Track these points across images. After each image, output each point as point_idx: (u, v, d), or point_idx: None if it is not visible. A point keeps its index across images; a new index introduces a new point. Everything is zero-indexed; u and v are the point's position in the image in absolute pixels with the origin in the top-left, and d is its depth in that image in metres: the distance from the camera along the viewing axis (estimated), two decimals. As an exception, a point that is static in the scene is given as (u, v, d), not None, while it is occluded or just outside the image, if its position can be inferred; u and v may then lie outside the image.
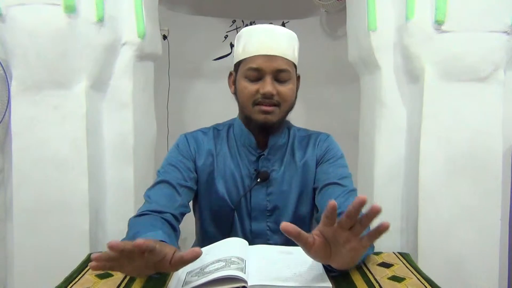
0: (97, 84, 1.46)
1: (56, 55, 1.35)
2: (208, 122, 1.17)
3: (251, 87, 0.97)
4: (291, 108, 1.03)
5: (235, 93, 1.05)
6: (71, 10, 1.32)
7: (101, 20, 1.39)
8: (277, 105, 0.97)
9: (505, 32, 1.36)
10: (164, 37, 2.34)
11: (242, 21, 2.69)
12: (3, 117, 1.43)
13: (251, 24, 2.67)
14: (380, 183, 1.54)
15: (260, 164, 1.05)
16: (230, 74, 1.07)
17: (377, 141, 1.54)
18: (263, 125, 0.99)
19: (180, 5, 2.67)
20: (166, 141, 2.32)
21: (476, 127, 1.40)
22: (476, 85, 1.39)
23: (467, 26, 1.35)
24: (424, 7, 1.38)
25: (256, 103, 0.97)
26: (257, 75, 0.96)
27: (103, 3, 1.39)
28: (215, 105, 2.31)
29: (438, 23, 1.36)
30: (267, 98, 0.96)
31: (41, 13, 1.32)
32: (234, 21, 2.70)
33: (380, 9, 1.49)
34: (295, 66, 1.02)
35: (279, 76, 0.97)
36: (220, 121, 1.15)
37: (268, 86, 0.95)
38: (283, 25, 2.61)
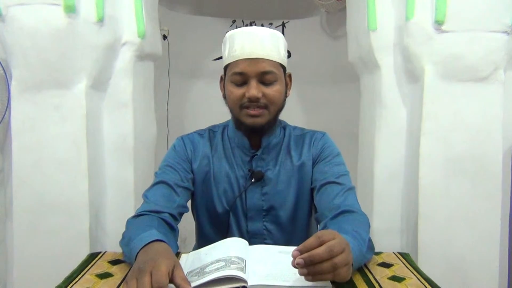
0: (97, 84, 1.46)
1: (56, 55, 1.35)
2: (208, 122, 1.18)
3: (237, 91, 0.97)
4: (280, 109, 1.02)
5: (225, 96, 1.05)
6: (71, 10, 1.32)
7: (101, 20, 1.39)
8: (264, 107, 0.97)
9: (505, 32, 1.36)
10: (164, 37, 2.33)
11: (242, 21, 2.68)
12: (3, 117, 1.43)
13: (251, 24, 2.67)
14: (380, 183, 1.54)
15: (254, 164, 1.05)
16: (221, 78, 1.07)
17: (377, 141, 1.54)
18: (252, 128, 0.99)
19: (180, 5, 2.67)
20: (166, 141, 2.31)
21: (476, 127, 1.40)
22: (476, 85, 1.39)
23: (467, 26, 1.35)
24: (424, 7, 1.38)
25: (243, 107, 0.97)
26: (242, 79, 0.96)
27: (103, 3, 1.39)
28: (215, 105, 2.29)
29: (438, 23, 1.36)
30: (253, 102, 0.96)
31: (41, 13, 1.32)
32: (234, 21, 2.69)
33: (380, 9, 1.49)
34: (282, 66, 1.01)
35: (264, 78, 0.96)
36: (220, 121, 1.16)
37: (252, 89, 0.95)
38: (283, 25, 2.61)
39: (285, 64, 1.02)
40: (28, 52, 1.34)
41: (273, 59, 0.97)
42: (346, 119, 2.39)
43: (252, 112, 0.97)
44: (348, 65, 1.85)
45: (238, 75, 0.96)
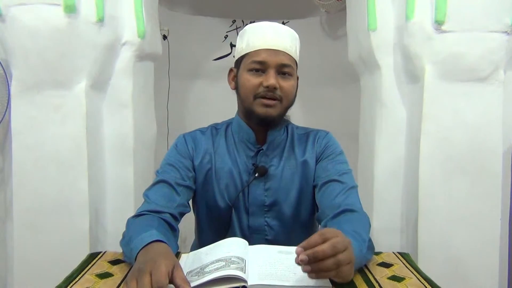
0: (97, 84, 1.46)
1: (56, 55, 1.35)
2: (208, 122, 1.17)
3: (254, 80, 0.98)
4: (291, 104, 1.04)
5: (235, 88, 1.06)
6: (71, 10, 1.32)
7: (101, 20, 1.39)
8: (278, 99, 0.99)
9: (505, 32, 1.36)
10: (164, 37, 2.33)
11: (242, 21, 2.68)
12: (3, 117, 1.43)
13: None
14: (380, 183, 1.54)
15: (258, 159, 1.05)
16: (230, 70, 1.08)
17: (377, 141, 1.54)
18: (264, 118, 1.00)
19: (180, 5, 2.66)
20: (166, 141, 2.31)
21: (476, 127, 1.40)
22: (476, 85, 1.39)
23: (467, 26, 1.35)
24: (424, 7, 1.38)
25: (258, 96, 0.98)
26: (261, 68, 0.98)
27: (103, 3, 1.39)
28: (215, 105, 2.31)
29: (438, 23, 1.36)
30: (270, 91, 0.97)
31: (41, 13, 1.32)
32: (234, 21, 2.69)
33: (380, 9, 1.49)
34: (296, 64, 1.04)
35: (282, 70, 0.99)
36: (220, 121, 1.15)
37: (271, 79, 0.96)
38: (283, 25, 2.60)
39: (297, 62, 1.05)
40: (28, 52, 1.34)
41: (292, 55, 1.00)
42: (346, 119, 2.39)
43: (267, 101, 0.98)
44: (348, 65, 1.85)
45: (258, 63, 0.98)
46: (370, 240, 0.87)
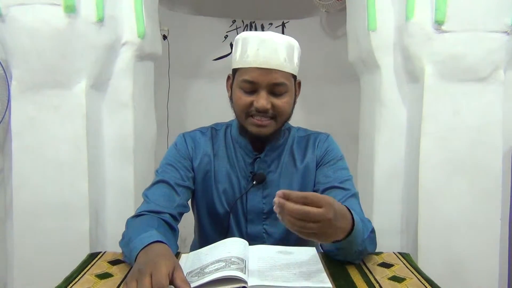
0: (97, 84, 1.46)
1: (56, 55, 1.35)
2: (208, 122, 1.17)
3: (246, 98, 0.95)
4: (287, 119, 1.01)
5: (231, 98, 1.02)
6: (71, 10, 1.32)
7: (101, 20, 1.39)
8: (272, 118, 0.96)
9: (505, 32, 1.36)
10: (164, 37, 2.33)
11: (242, 21, 2.68)
12: (3, 117, 1.43)
13: (251, 24, 2.66)
14: (380, 183, 1.54)
15: (256, 166, 1.04)
16: (229, 77, 1.05)
17: (377, 141, 1.54)
18: (257, 137, 0.98)
19: (180, 5, 2.67)
20: (166, 141, 2.31)
21: (476, 127, 1.40)
22: (476, 85, 1.39)
23: (467, 26, 1.35)
24: (424, 7, 1.38)
25: (250, 115, 0.96)
26: (252, 88, 0.94)
27: (103, 3, 1.39)
28: (215, 105, 2.30)
29: (438, 23, 1.36)
30: (261, 112, 0.94)
31: (41, 13, 1.32)
32: (234, 21, 2.69)
33: (380, 9, 1.49)
34: (294, 76, 0.99)
35: (274, 89, 0.94)
36: (220, 121, 1.15)
37: (262, 100, 0.93)
38: (283, 25, 2.61)
39: (296, 73, 1.00)
40: (28, 52, 1.34)
41: (286, 70, 0.94)
42: (346, 119, 2.39)
43: (259, 122, 0.95)
44: (348, 65, 1.85)
45: (248, 83, 0.93)
46: (373, 231, 0.87)
